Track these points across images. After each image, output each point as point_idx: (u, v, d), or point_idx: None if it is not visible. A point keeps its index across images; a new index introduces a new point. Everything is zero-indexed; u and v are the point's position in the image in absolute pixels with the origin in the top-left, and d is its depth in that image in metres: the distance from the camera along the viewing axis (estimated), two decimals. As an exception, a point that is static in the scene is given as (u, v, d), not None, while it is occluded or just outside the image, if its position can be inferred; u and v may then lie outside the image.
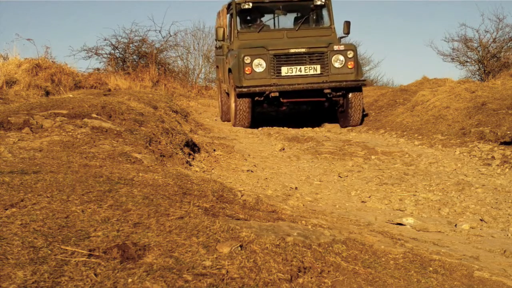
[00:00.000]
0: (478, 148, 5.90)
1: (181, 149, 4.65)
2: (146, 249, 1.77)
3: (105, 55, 14.50)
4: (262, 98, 8.18)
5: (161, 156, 3.96)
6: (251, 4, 8.74)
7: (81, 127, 3.91)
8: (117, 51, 14.55)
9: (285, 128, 8.37)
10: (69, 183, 2.35)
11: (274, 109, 9.37)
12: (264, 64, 8.05)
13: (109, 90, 10.60)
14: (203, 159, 5.02)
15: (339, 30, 8.89)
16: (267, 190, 4.12)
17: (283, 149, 6.46)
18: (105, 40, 15.25)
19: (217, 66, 10.66)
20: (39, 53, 11.05)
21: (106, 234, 1.84)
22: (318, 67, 8.11)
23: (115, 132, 3.96)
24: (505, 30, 13.52)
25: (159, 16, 44.63)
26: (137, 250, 1.74)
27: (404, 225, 3.28)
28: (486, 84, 8.75)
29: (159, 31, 18.46)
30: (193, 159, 4.80)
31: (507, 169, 5.00)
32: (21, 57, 10.30)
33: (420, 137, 7.07)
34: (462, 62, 14.39)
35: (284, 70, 8.09)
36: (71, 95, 6.71)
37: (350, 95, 8.28)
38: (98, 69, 14.02)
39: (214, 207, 2.41)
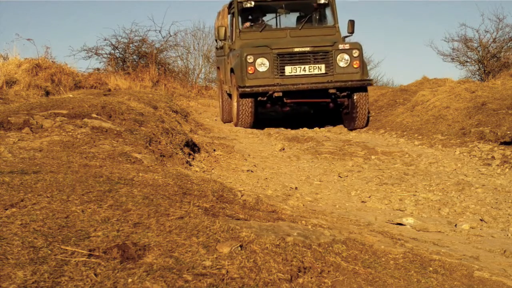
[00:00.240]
0: (478, 148, 5.90)
1: (181, 149, 4.65)
2: (146, 249, 1.77)
3: (105, 55, 14.52)
4: (265, 98, 8.02)
5: (161, 156, 3.96)
6: (253, 3, 8.60)
7: (81, 127, 3.91)
8: (117, 51, 14.56)
9: (285, 128, 8.36)
10: (69, 183, 2.35)
11: (273, 110, 9.27)
12: (267, 63, 7.88)
13: (109, 90, 10.60)
14: (203, 159, 5.02)
15: (343, 30, 8.77)
16: (267, 190, 4.12)
17: (283, 149, 6.46)
18: (105, 40, 15.28)
19: (218, 67, 10.49)
20: (39, 53, 11.06)
21: (106, 234, 1.84)
22: (323, 66, 7.93)
23: (115, 132, 3.96)
24: (505, 30, 13.55)
25: (159, 16, 44.62)
26: (137, 250, 1.74)
27: (404, 225, 3.28)
28: (486, 84, 8.76)
29: (159, 31, 18.48)
30: (193, 159, 4.80)
31: (507, 169, 5.00)
32: (21, 57, 10.32)
33: (420, 137, 7.07)
34: (462, 62, 14.40)
35: (288, 70, 7.91)
36: (71, 95, 6.71)
37: (355, 95, 8.09)
38: (98, 69, 14.02)
39: (214, 207, 2.41)
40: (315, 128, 8.40)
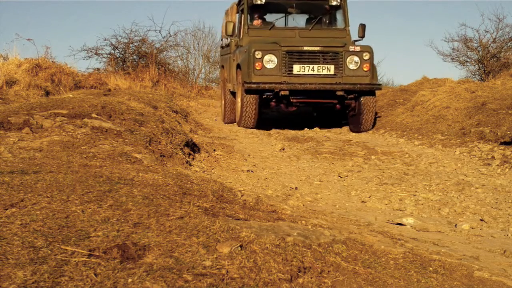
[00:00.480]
0: (478, 148, 5.90)
1: (181, 149, 4.65)
2: (146, 249, 1.77)
3: (105, 55, 14.53)
4: (271, 96, 7.87)
5: (161, 156, 3.96)
6: (263, 0, 8.44)
7: (81, 127, 3.91)
8: (117, 51, 14.58)
9: (286, 128, 8.36)
10: (69, 183, 2.35)
11: (274, 110, 9.18)
12: (275, 60, 7.70)
13: (109, 90, 10.60)
14: (203, 159, 5.02)
15: (353, 34, 8.61)
16: (267, 190, 4.12)
17: (283, 149, 6.46)
18: (105, 40, 15.31)
19: (222, 66, 10.33)
20: (39, 53, 11.08)
21: (106, 234, 1.84)
22: (332, 67, 7.78)
23: (115, 132, 3.96)
24: (505, 30, 13.54)
25: (159, 16, 44.63)
26: (137, 250, 1.74)
27: (404, 225, 3.28)
28: (486, 84, 8.76)
29: (159, 31, 18.52)
30: (193, 159, 4.80)
31: (507, 169, 5.00)
32: (21, 57, 10.33)
33: (420, 137, 7.07)
34: (462, 62, 14.40)
35: (296, 68, 7.74)
36: (71, 95, 6.71)
37: (362, 99, 7.93)
38: (98, 69, 14.04)
39: (214, 207, 2.41)
40: (315, 128, 8.38)
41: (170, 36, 15.30)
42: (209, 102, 13.07)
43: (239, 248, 1.87)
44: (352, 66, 7.83)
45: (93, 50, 14.38)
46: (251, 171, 4.93)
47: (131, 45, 14.56)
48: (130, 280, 1.56)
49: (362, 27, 8.53)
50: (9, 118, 3.88)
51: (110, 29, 38.11)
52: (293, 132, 7.93)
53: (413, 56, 40.37)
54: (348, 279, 1.86)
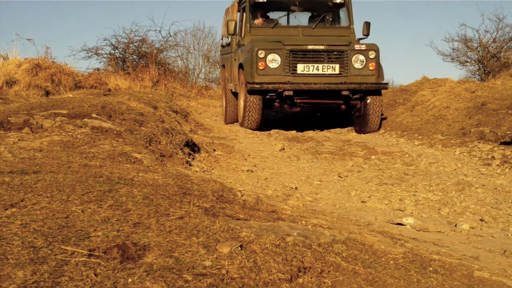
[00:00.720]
0: (478, 148, 5.90)
1: (181, 149, 4.65)
2: (146, 249, 1.77)
3: (105, 55, 14.52)
4: (274, 96, 7.70)
5: (161, 156, 3.96)
6: None
7: (81, 127, 3.91)
8: (117, 51, 14.56)
9: (287, 128, 8.35)
10: (69, 183, 2.35)
11: (275, 110, 9.08)
12: (279, 59, 7.49)
13: (109, 90, 10.60)
14: (203, 159, 5.02)
15: (357, 32, 8.45)
16: (267, 190, 4.12)
17: (283, 149, 6.46)
18: (105, 40, 15.27)
19: (223, 65, 10.13)
20: (39, 53, 11.06)
21: (106, 234, 1.84)
22: (337, 66, 7.56)
23: (115, 132, 3.96)
24: (505, 30, 13.53)
25: (159, 16, 44.59)
26: (137, 250, 1.74)
27: (404, 225, 3.28)
28: (486, 84, 8.76)
29: (159, 31, 18.49)
30: (193, 159, 4.80)
31: (507, 169, 5.00)
32: (21, 57, 10.32)
33: (420, 137, 7.07)
34: (462, 62, 14.39)
35: (300, 68, 7.52)
36: (71, 95, 6.71)
37: (368, 98, 7.71)
38: (98, 69, 14.03)
39: (214, 207, 2.41)
40: (315, 128, 8.38)
41: (170, 36, 15.30)
42: (209, 102, 13.06)
43: (239, 248, 1.87)
44: (357, 65, 7.63)
45: (93, 50, 14.38)
46: (251, 171, 4.93)
47: (131, 45, 14.56)
48: (130, 280, 1.56)
49: (367, 25, 8.34)
50: (9, 118, 3.88)
51: (110, 29, 38.09)
52: (293, 132, 7.92)
53: (413, 56, 40.33)
54: (348, 279, 1.86)
